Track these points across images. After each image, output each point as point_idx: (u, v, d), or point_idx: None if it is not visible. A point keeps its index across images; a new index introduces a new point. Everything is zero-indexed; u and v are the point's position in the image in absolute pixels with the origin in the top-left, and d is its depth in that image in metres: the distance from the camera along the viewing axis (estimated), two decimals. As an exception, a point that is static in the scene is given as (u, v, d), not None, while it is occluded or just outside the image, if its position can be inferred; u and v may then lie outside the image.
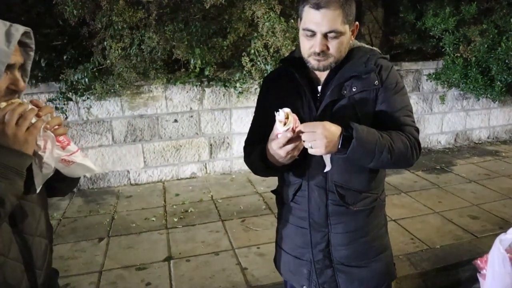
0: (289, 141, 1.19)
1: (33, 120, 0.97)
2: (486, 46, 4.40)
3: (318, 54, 1.25)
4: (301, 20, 1.28)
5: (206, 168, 4.67)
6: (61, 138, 1.06)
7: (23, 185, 0.98)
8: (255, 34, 3.83)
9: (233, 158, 4.70)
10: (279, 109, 1.18)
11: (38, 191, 1.04)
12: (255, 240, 3.13)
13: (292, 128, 1.17)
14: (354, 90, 1.30)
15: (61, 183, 1.18)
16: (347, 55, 1.33)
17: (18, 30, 0.96)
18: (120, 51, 3.63)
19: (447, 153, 5.31)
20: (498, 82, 4.53)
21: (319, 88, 1.36)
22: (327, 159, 1.26)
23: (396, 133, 1.27)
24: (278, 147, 1.21)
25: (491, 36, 4.46)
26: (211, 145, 4.61)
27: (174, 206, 3.81)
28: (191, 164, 4.59)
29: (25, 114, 0.95)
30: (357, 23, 1.31)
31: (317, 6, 1.20)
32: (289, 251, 1.51)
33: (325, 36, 1.23)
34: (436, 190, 4.04)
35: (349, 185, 1.35)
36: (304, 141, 1.19)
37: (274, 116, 1.40)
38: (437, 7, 4.49)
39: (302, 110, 1.34)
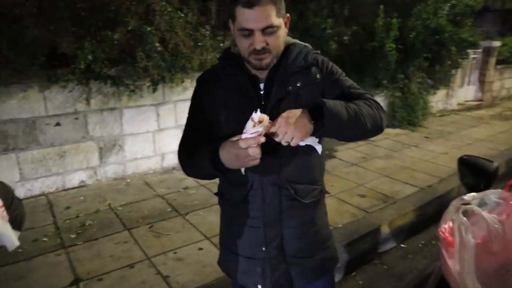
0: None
1: None
2: (357, 46, 5.01)
3: (259, 51, 1.24)
4: (234, 20, 1.26)
5: (96, 174, 4.23)
6: None
7: None
8: (148, 28, 3.59)
9: (126, 161, 4.35)
10: (258, 110, 1.14)
11: None
12: (170, 246, 2.98)
13: (262, 134, 1.13)
14: (298, 85, 1.33)
15: None
16: (284, 51, 1.34)
17: None
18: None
19: (328, 140, 5.89)
20: (368, 78, 5.22)
21: (261, 85, 1.34)
22: (312, 142, 1.23)
23: (357, 100, 1.32)
24: (246, 146, 1.14)
25: (360, 37, 5.10)
26: (100, 148, 4.19)
27: (67, 221, 3.35)
28: (78, 172, 4.10)
29: None
30: (288, 14, 1.33)
31: (250, 5, 1.19)
32: (240, 252, 1.47)
33: (262, 32, 1.23)
34: (326, 175, 4.44)
35: (301, 180, 1.39)
36: (280, 139, 1.15)
37: (214, 117, 1.33)
38: (316, 9, 4.91)
39: (248, 109, 1.26)
